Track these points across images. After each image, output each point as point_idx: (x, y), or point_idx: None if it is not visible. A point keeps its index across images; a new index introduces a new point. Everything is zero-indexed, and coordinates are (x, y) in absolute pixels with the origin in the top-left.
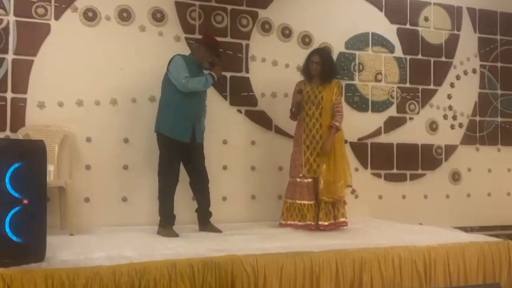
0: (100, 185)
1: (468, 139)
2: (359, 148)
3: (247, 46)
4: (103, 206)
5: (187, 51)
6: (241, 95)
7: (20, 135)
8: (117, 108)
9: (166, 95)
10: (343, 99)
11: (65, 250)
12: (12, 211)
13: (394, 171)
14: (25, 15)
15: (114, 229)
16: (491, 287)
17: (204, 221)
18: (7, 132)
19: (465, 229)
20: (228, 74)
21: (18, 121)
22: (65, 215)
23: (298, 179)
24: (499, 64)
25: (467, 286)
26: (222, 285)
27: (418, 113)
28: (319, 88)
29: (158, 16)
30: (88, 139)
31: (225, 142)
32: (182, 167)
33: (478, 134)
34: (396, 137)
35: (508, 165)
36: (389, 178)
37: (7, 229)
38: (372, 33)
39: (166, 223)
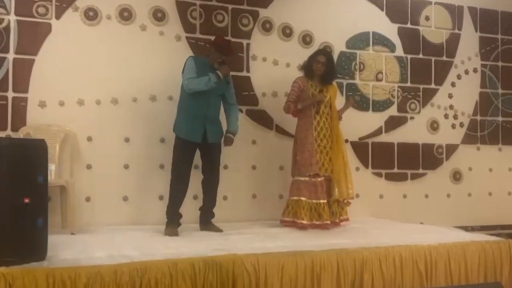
0: (101, 184)
1: (469, 139)
2: (360, 147)
3: (248, 45)
4: (104, 205)
5: (187, 51)
6: (242, 94)
7: (21, 134)
8: (118, 108)
9: (181, 97)
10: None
11: (66, 249)
12: (14, 210)
13: (395, 170)
14: (26, 14)
15: (115, 228)
16: (492, 286)
17: (206, 221)
18: (8, 131)
19: (466, 229)
20: None
21: (19, 120)
22: (66, 214)
23: (313, 178)
24: (500, 64)
25: (468, 285)
26: (223, 284)
27: (419, 112)
28: (323, 88)
29: (159, 16)
30: (89, 138)
31: None
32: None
33: (479, 133)
34: (397, 136)
35: (509, 164)
36: (390, 177)
37: (9, 228)
38: (373, 32)
39: (171, 223)
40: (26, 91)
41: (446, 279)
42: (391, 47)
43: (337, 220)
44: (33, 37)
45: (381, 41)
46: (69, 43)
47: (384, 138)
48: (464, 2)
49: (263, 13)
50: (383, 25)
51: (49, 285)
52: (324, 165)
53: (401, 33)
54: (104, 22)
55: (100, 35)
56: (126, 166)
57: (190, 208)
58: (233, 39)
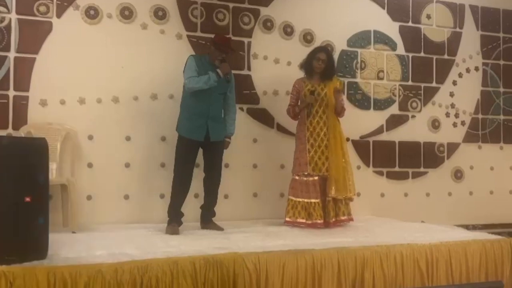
0: (102, 183)
1: (470, 137)
2: (361, 146)
3: (249, 44)
4: (105, 204)
5: (188, 49)
6: (243, 93)
7: (22, 133)
8: (119, 106)
9: (183, 96)
10: (345, 97)
11: (67, 247)
12: (15, 209)
13: (396, 169)
14: (27, 13)
15: (116, 226)
16: (493, 284)
17: (207, 220)
18: (9, 130)
19: (467, 227)
20: None
21: (20, 119)
22: (67, 213)
23: (304, 178)
24: (501, 62)
25: (470, 284)
26: (224, 283)
27: (420, 111)
28: (320, 85)
29: (160, 14)
30: (90, 137)
31: None
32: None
33: (480, 132)
34: (398, 135)
35: (510, 163)
36: (391, 176)
37: (10, 227)
38: (374, 31)
39: (172, 221)
40: (27, 89)
41: (447, 277)
42: (393, 45)
43: (339, 218)
44: (34, 35)
45: (383, 39)
46: (70, 42)
47: (385, 136)
48: (466, 0)
49: (264, 11)
50: (384, 23)
51: (50, 283)
52: (318, 165)
53: (403, 31)
54: (105, 20)
55: (101, 34)
56: (127, 165)
57: (191, 206)
58: (234, 38)
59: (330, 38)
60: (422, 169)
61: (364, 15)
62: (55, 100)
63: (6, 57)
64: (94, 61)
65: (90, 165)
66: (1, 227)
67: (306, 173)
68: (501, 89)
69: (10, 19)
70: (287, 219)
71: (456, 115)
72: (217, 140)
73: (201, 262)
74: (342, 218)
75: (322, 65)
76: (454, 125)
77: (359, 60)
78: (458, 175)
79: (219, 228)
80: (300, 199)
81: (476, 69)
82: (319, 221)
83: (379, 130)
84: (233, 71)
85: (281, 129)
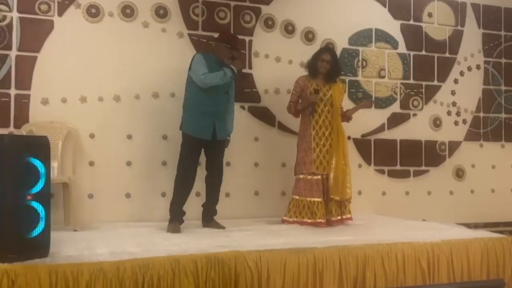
0: (103, 181)
1: (472, 136)
2: (362, 144)
3: (250, 42)
4: (106, 202)
5: (190, 48)
6: (244, 91)
7: (23, 131)
8: (121, 105)
9: (187, 94)
10: (346, 96)
11: (69, 246)
12: (16, 207)
13: (398, 167)
14: (28, 11)
15: (118, 225)
16: (494, 283)
17: (208, 218)
18: (11, 129)
19: (469, 226)
20: None
21: (22, 117)
22: (68, 211)
23: (309, 176)
24: (503, 60)
25: (471, 282)
26: (226, 281)
27: (421, 109)
28: (325, 86)
29: (161, 12)
30: (92, 136)
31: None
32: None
33: (482, 130)
34: (399, 133)
35: None
36: (393, 174)
37: (11, 225)
38: (376, 29)
39: (174, 220)
40: (28, 88)
41: (448, 276)
42: (394, 44)
43: (340, 217)
44: (36, 34)
45: (384, 38)
46: (72, 40)
47: (386, 135)
48: None
49: (265, 10)
50: (385, 21)
51: (51, 281)
52: (322, 164)
53: (404, 29)
54: (106, 19)
55: (102, 32)
56: (129, 163)
57: (192, 205)
58: None
59: (331, 36)
60: (423, 168)
61: (365, 14)
62: (56, 99)
63: (7, 55)
64: (95, 60)
65: (91, 164)
66: (2, 226)
67: (311, 172)
68: (503, 87)
69: (12, 18)
70: (285, 218)
71: (458, 114)
72: (223, 139)
73: (203, 260)
74: (343, 217)
75: (327, 65)
76: (456, 123)
77: (360, 59)
78: (459, 173)
79: (221, 227)
80: (304, 198)
81: (478, 67)
82: (322, 220)
83: (380, 128)
84: None
85: (282, 127)
